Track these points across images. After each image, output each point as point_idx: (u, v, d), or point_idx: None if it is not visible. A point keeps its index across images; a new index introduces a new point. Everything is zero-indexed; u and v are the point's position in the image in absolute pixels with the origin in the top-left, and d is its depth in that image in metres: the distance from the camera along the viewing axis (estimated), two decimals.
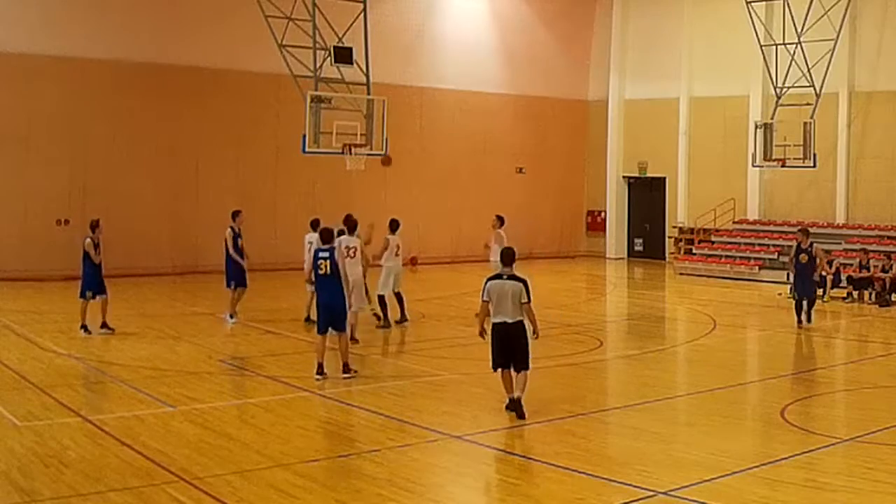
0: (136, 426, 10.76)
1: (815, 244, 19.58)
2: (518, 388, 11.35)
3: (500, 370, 11.51)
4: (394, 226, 18.49)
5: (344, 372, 13.44)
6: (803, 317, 19.10)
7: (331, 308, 13.28)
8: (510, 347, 11.28)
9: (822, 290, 23.48)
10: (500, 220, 19.82)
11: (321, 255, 13.42)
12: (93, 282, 16.98)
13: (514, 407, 11.32)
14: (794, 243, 19.71)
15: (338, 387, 13.13)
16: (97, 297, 17.00)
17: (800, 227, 21.38)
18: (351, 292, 14.14)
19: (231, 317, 18.42)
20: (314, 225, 17.71)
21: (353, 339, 15.30)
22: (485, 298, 11.34)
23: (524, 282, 11.21)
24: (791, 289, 20.32)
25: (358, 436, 11.10)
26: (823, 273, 22.27)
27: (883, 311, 22.10)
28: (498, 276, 11.34)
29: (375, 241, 18.16)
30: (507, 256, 11.52)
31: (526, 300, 11.15)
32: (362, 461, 9.76)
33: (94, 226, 17.13)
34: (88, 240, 16.99)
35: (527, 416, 11.13)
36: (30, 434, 10.37)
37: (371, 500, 8.49)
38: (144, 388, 12.69)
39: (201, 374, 13.98)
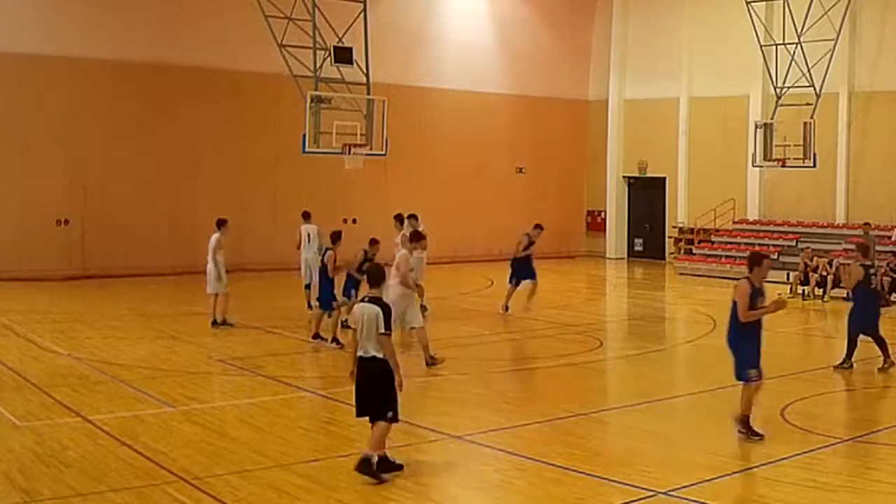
0: (136, 426, 10.75)
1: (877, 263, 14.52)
2: (371, 443, 8.88)
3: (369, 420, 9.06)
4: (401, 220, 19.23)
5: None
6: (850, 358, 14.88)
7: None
8: (366, 387, 8.94)
9: (822, 289, 23.54)
10: (400, 219, 19.49)
11: None
12: (327, 296, 16.04)
13: (363, 467, 8.75)
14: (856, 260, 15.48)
15: (338, 387, 13.12)
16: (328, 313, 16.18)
17: (857, 243, 16.05)
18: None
19: None
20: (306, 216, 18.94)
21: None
22: (352, 325, 9.30)
23: (384, 308, 8.87)
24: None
25: (358, 436, 11.06)
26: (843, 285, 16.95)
27: (883, 312, 22.03)
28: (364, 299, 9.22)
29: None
30: (374, 274, 9.21)
31: (383, 330, 8.76)
32: None
33: (337, 238, 16.22)
34: (330, 252, 15.98)
35: (386, 479, 8.81)
36: (30, 434, 10.36)
37: (371, 500, 8.48)
38: (144, 388, 12.69)
39: (201, 374, 13.99)
